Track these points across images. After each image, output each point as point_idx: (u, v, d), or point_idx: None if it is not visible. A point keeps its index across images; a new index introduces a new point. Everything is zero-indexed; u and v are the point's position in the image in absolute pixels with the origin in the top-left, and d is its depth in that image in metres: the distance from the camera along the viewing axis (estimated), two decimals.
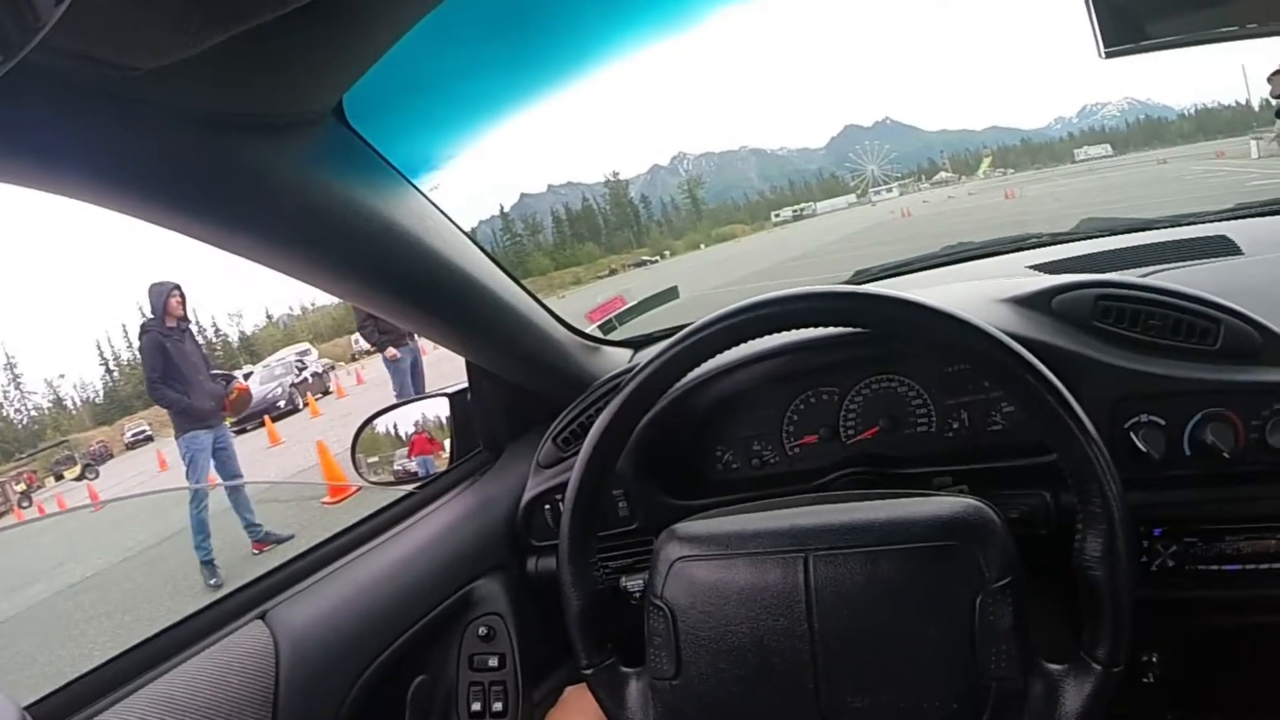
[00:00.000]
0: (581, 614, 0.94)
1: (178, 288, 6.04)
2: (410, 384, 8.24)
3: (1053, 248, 1.77)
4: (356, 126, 1.01)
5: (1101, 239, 1.76)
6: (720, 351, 0.91)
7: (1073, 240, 1.81)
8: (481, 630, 1.37)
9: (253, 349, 73.46)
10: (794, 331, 0.92)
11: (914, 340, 0.97)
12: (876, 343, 1.22)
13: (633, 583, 1.04)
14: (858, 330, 0.94)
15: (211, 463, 6.28)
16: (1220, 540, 1.13)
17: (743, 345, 0.92)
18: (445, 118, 1.36)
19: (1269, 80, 0.97)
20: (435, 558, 1.35)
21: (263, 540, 6.43)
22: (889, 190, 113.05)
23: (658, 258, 78.85)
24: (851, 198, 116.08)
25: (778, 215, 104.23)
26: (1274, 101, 0.98)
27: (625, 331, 1.96)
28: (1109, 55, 0.87)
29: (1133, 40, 0.86)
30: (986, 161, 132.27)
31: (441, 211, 1.19)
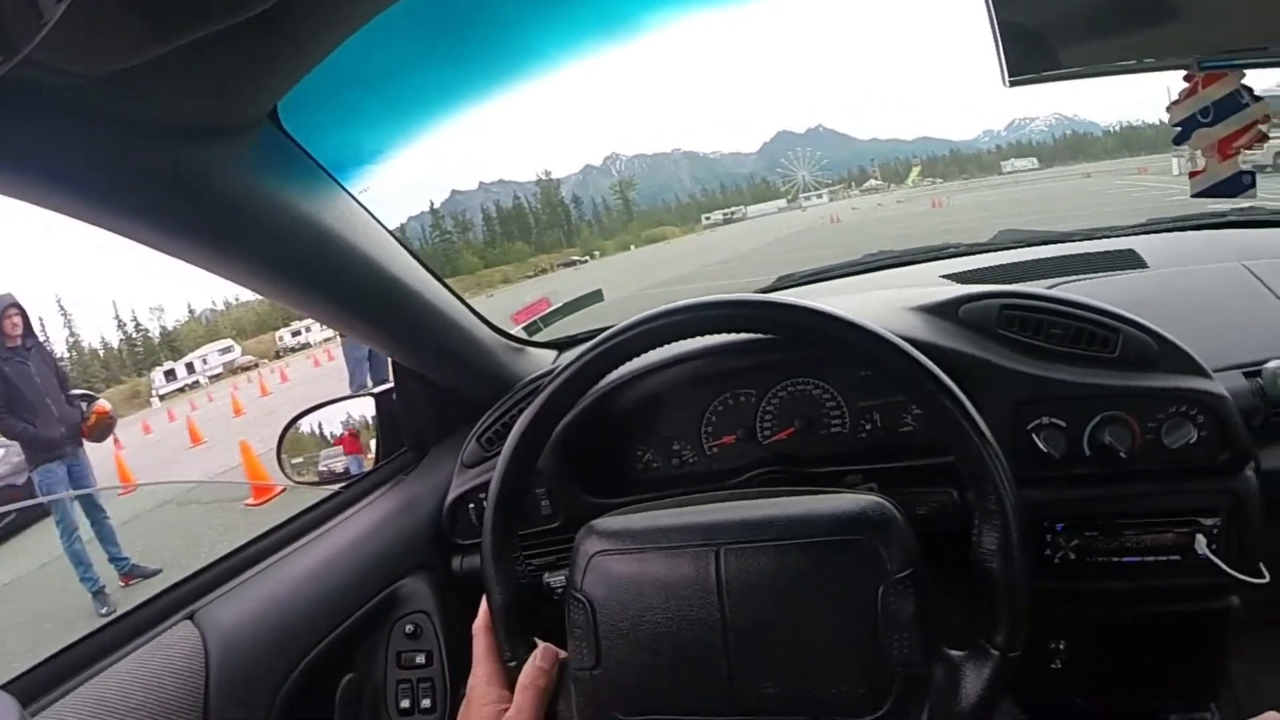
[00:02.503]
0: (505, 609, 0.96)
1: (15, 305, 5.38)
2: (368, 372, 7.82)
3: (969, 258, 1.85)
4: (291, 131, 1.02)
5: (1017, 250, 1.85)
6: (637, 355, 0.94)
7: (989, 251, 1.89)
8: (408, 628, 1.39)
9: (174, 344, 71.05)
10: (712, 335, 0.96)
11: (821, 347, 1.01)
12: (791, 347, 1.26)
13: (555, 579, 1.06)
14: (769, 336, 0.97)
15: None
16: (1119, 534, 1.22)
17: (663, 348, 0.95)
18: (382, 118, 1.37)
19: (1168, 110, 1.05)
20: (361, 557, 1.36)
21: (129, 574, 6.03)
22: (819, 196, 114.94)
23: (588, 258, 78.54)
24: (782, 202, 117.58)
25: (708, 218, 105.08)
26: (1175, 129, 1.05)
27: (550, 333, 1.99)
28: (1013, 84, 0.93)
29: (1035, 71, 0.92)
30: (916, 171, 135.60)
31: (370, 214, 1.21)
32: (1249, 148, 1.04)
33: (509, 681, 0.93)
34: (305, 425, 1.68)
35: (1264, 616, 1.70)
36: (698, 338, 0.92)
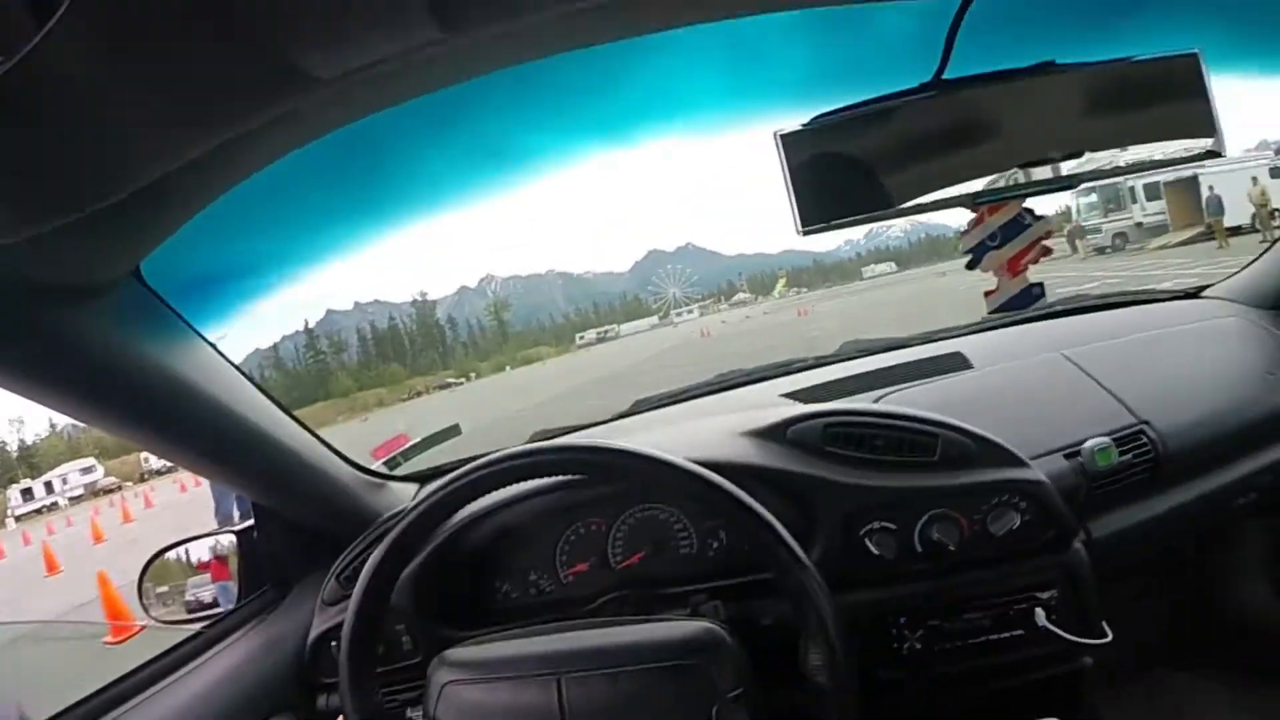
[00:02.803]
0: None
1: None
2: (234, 503, 7.41)
3: (813, 371, 1.96)
4: (155, 285, 1.06)
5: (859, 360, 1.98)
6: (474, 499, 1.00)
7: (834, 363, 2.01)
8: None
9: (33, 461, 65.73)
10: None
11: (638, 485, 1.08)
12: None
13: (417, 713, 1.07)
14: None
15: None
16: (961, 620, 1.31)
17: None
18: (251, 265, 1.40)
19: (960, 239, 1.20)
20: (225, 699, 1.33)
21: None
22: (690, 311, 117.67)
23: (463, 379, 77.65)
24: (654, 319, 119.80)
25: (582, 337, 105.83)
26: (967, 256, 1.19)
27: (411, 466, 2.01)
28: (805, 234, 1.04)
29: (823, 221, 1.04)
30: (781, 282, 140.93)
31: (228, 360, 1.23)
32: (1035, 263, 1.18)
33: None
34: (171, 554, 1.63)
35: (1131, 666, 1.96)
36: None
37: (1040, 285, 1.16)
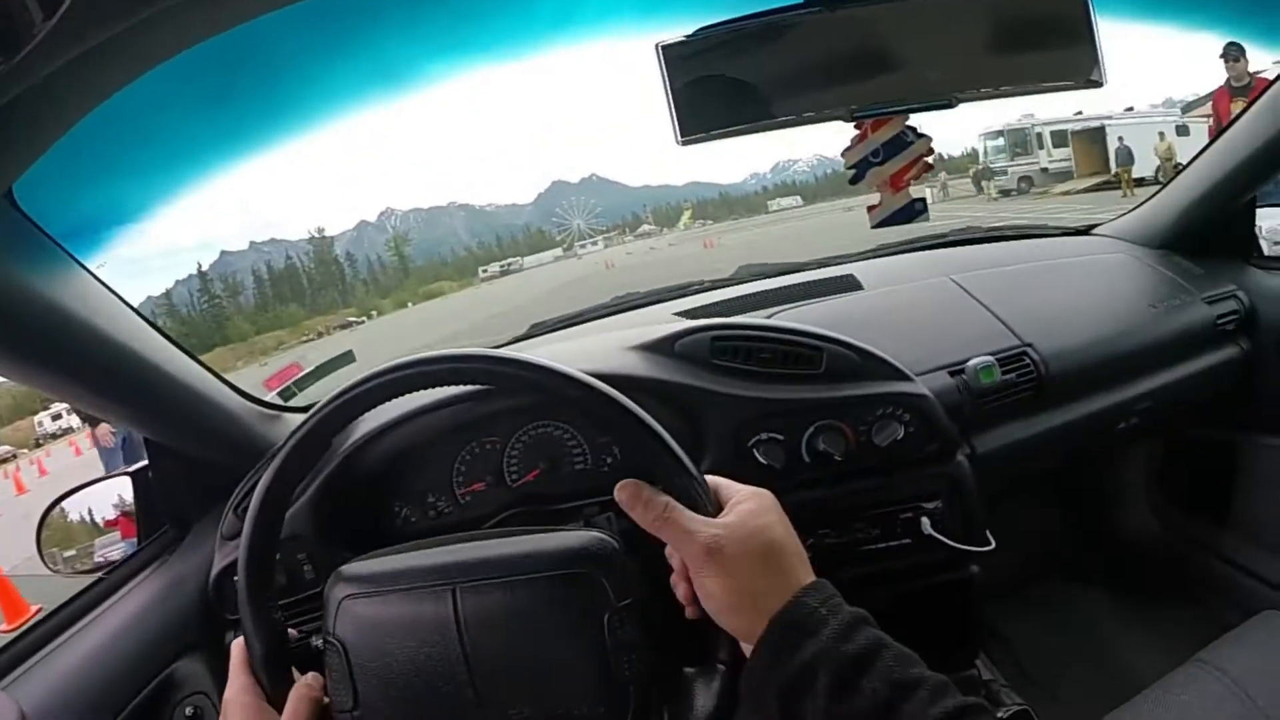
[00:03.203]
0: (265, 658, 0.95)
1: None
2: (120, 461, 6.90)
3: (708, 293, 2.01)
4: (28, 209, 1.00)
5: (755, 283, 2.03)
6: (366, 410, 0.97)
7: (729, 285, 2.06)
8: (189, 710, 1.34)
9: None
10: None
11: (531, 395, 1.10)
12: (519, 395, 1.35)
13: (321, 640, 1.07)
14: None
15: None
16: (851, 528, 1.39)
17: (407, 400, 1.00)
18: (133, 183, 1.34)
19: (843, 155, 1.22)
20: (131, 643, 1.31)
21: None
22: (594, 244, 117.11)
23: (364, 318, 75.67)
24: (559, 251, 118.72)
25: (485, 271, 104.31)
26: (850, 172, 1.22)
27: (306, 398, 1.98)
28: (684, 143, 1.06)
29: (703, 131, 1.06)
30: (687, 214, 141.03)
31: (110, 290, 1.19)
32: (917, 179, 1.22)
33: (268, 696, 0.93)
34: (74, 514, 1.57)
35: (1019, 578, 2.19)
36: (436, 390, 0.97)
37: (923, 200, 1.21)
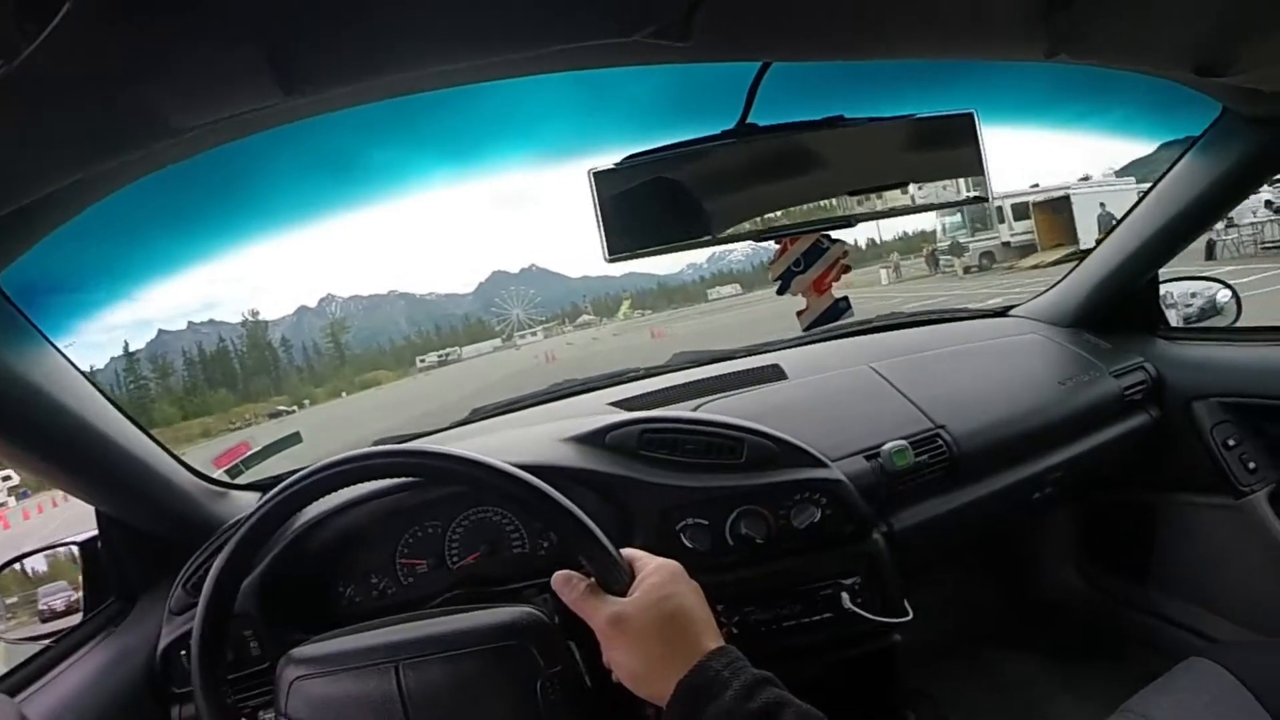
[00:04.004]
0: None
1: None
2: None
3: (642, 381, 2.11)
4: (11, 294, 1.11)
5: (687, 370, 2.14)
6: (313, 500, 1.04)
7: (664, 373, 2.16)
8: None
9: None
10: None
11: (468, 487, 1.16)
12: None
13: (269, 716, 1.11)
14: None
15: None
16: (774, 605, 1.48)
17: (354, 486, 1.06)
18: (102, 279, 1.42)
19: (769, 268, 1.33)
20: (76, 718, 1.31)
21: None
22: (534, 334, 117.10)
23: (295, 408, 73.69)
24: (497, 341, 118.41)
25: (423, 360, 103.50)
26: (776, 282, 1.34)
27: (252, 475, 2.01)
28: (611, 260, 1.16)
29: (628, 251, 1.16)
30: (626, 304, 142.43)
31: (75, 366, 1.27)
32: (837, 280, 1.34)
33: None
34: (16, 569, 1.59)
35: (949, 642, 2.31)
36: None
37: (845, 299, 1.33)
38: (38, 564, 1.62)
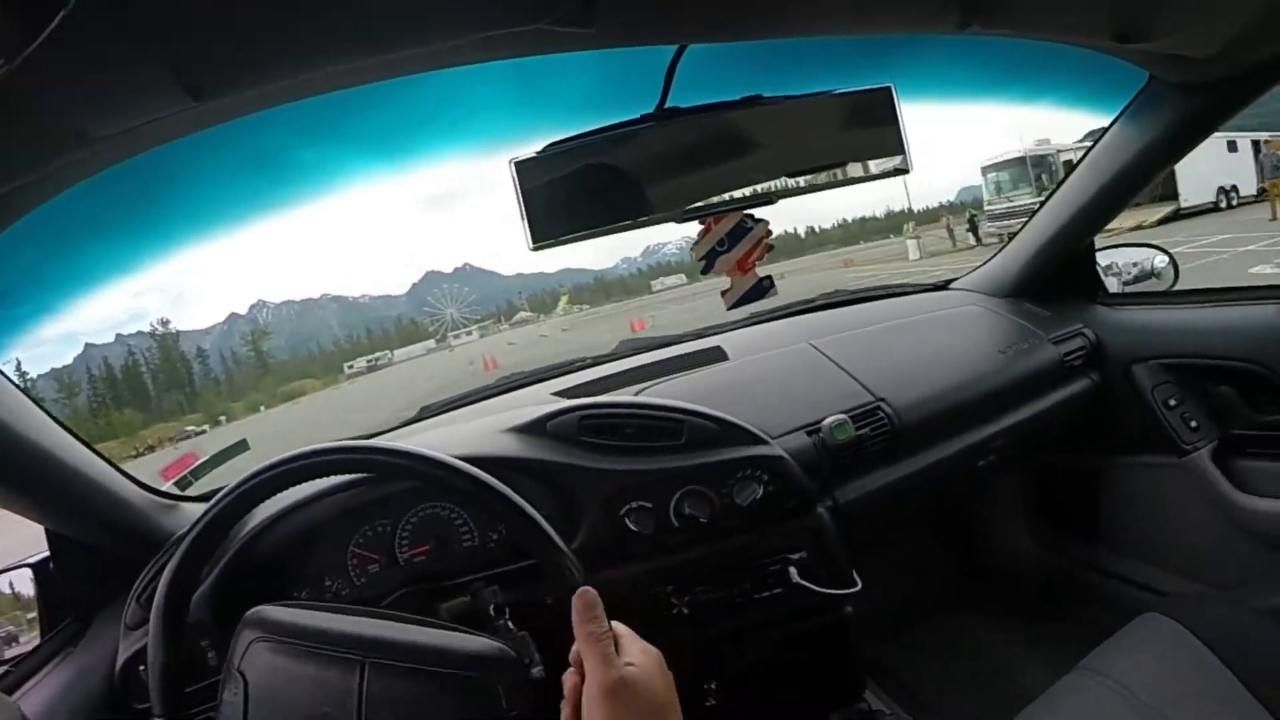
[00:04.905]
0: None
1: None
2: None
3: (590, 370, 2.21)
4: None
5: (632, 357, 2.22)
6: (261, 501, 1.09)
7: (609, 361, 2.26)
8: None
9: None
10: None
11: (413, 481, 1.23)
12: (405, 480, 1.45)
13: (228, 692, 1.12)
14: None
15: None
16: (723, 583, 1.56)
17: (301, 487, 1.12)
18: (30, 294, 1.42)
19: (693, 249, 1.39)
20: None
21: None
22: (469, 333, 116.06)
23: (206, 427, 70.71)
24: (431, 343, 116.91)
25: (351, 367, 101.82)
26: (700, 262, 1.39)
27: (202, 486, 2.02)
28: (536, 249, 1.21)
29: (553, 238, 1.22)
30: (564, 299, 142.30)
31: (15, 385, 1.29)
32: (760, 259, 1.40)
33: None
34: None
35: (906, 612, 2.46)
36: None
37: (769, 278, 1.39)
38: None
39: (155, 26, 0.69)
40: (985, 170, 26.76)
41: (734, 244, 1.36)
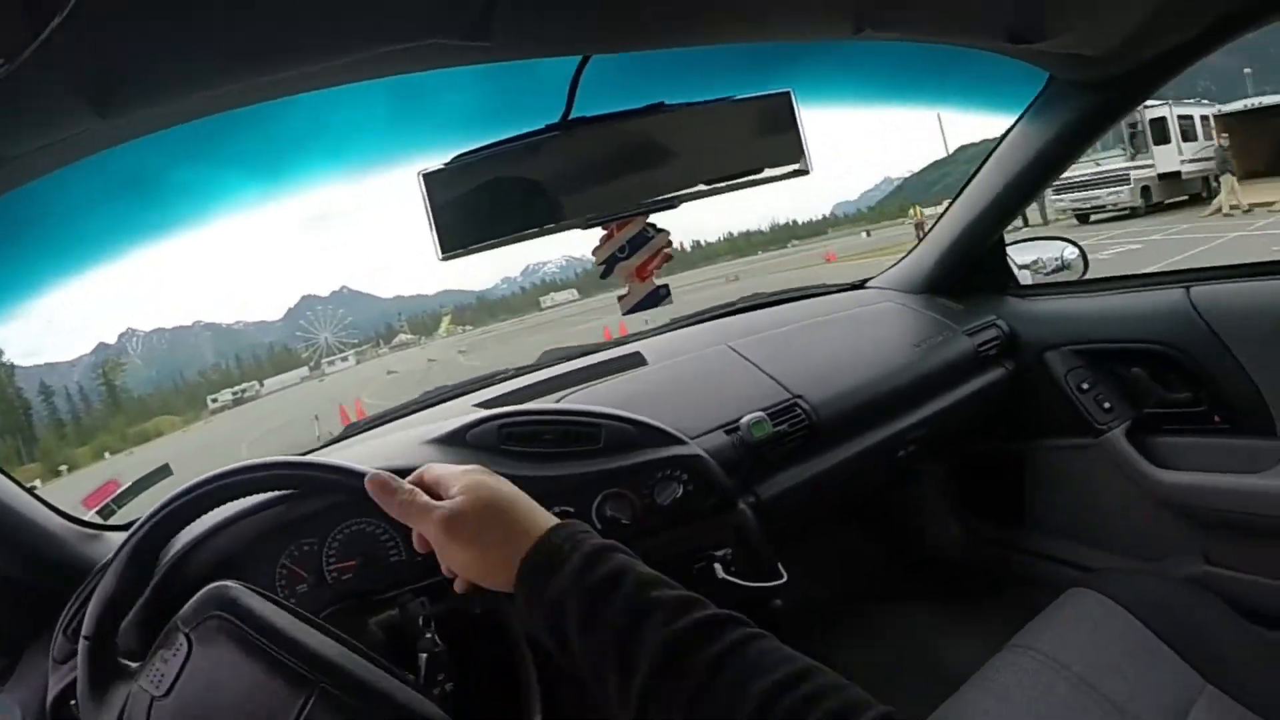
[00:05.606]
0: None
1: None
2: None
3: (512, 380, 2.30)
4: None
5: (554, 366, 2.35)
6: (177, 528, 1.15)
7: (532, 371, 2.36)
8: None
9: None
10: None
11: (330, 494, 1.31)
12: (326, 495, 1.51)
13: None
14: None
15: None
16: None
17: (222, 508, 1.19)
18: None
19: (594, 253, 1.49)
20: None
21: None
22: (344, 359, 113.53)
23: (37, 482, 66.13)
24: (304, 370, 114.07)
25: (215, 401, 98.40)
26: (600, 267, 1.48)
27: (125, 515, 2.04)
28: (445, 259, 1.31)
29: (462, 248, 1.32)
30: (447, 320, 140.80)
31: None
32: (658, 268, 1.51)
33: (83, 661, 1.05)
34: None
35: (839, 603, 2.68)
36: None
37: (665, 287, 1.49)
38: None
39: (61, 42, 0.72)
40: None
41: (634, 251, 1.47)
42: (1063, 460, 2.63)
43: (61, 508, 1.71)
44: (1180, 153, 20.24)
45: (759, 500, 1.88)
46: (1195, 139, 20.42)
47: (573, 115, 1.37)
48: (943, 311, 2.59)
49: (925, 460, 2.67)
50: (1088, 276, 2.71)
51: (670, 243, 1.49)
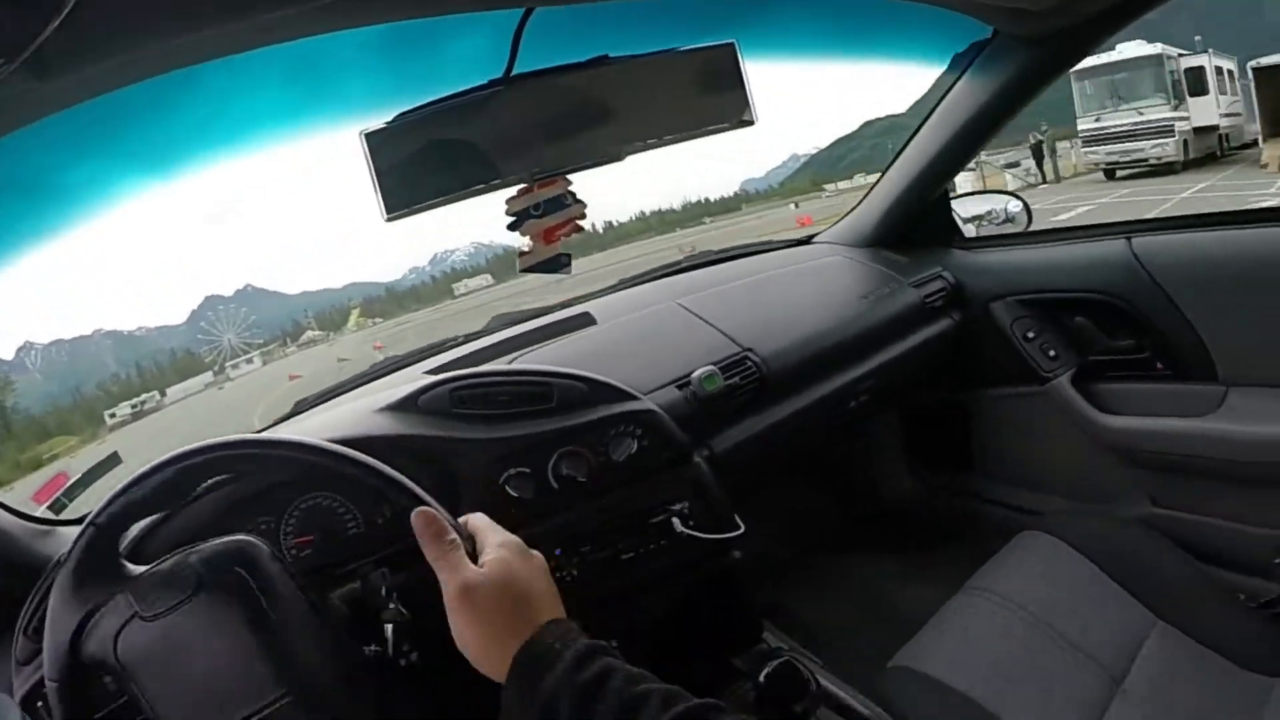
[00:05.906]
0: None
1: None
2: None
3: (462, 346, 2.31)
4: None
5: (504, 330, 2.38)
6: (133, 519, 1.15)
7: (482, 336, 2.39)
8: None
9: None
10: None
11: (285, 469, 1.32)
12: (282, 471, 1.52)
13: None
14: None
15: None
16: (609, 542, 1.72)
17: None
18: None
19: (507, 203, 1.50)
20: None
21: None
22: (249, 361, 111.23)
23: None
24: (209, 375, 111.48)
25: (113, 416, 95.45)
26: (511, 218, 1.50)
27: (76, 509, 2.01)
28: (390, 219, 1.32)
29: (407, 207, 1.32)
30: (356, 313, 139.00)
31: None
32: (568, 236, 1.54)
33: None
34: None
35: (797, 555, 2.81)
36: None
37: (568, 255, 1.52)
38: None
39: None
40: (1081, 77, 20.01)
41: (548, 213, 1.49)
42: (1010, 408, 2.76)
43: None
44: (1218, 105, 19.45)
45: (713, 453, 1.94)
46: (1225, 92, 19.83)
47: (516, 70, 1.39)
48: (889, 264, 2.69)
49: (875, 411, 2.77)
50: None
51: (585, 214, 1.51)
